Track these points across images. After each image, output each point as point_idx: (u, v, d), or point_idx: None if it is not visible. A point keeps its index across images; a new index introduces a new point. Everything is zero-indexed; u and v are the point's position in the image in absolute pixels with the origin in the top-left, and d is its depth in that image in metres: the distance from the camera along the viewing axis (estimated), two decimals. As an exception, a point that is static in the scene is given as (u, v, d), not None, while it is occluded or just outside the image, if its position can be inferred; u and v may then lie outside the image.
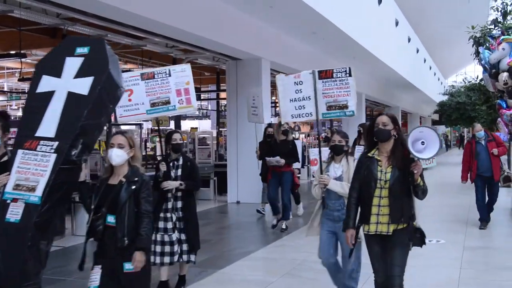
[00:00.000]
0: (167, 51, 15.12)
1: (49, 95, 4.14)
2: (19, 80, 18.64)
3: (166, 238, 6.19)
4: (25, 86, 25.73)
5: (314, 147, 13.21)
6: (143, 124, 34.38)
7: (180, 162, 6.38)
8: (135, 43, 13.72)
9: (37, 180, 3.90)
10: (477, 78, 28.30)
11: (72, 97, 4.08)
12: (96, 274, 4.27)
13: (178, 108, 6.17)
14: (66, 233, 10.02)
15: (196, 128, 33.13)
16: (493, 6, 19.68)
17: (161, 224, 6.22)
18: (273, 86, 22.58)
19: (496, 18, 18.96)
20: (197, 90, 23.29)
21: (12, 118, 39.89)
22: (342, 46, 16.50)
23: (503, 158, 11.42)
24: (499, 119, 15.19)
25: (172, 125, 22.16)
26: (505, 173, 10.33)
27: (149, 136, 23.91)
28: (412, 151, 4.17)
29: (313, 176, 6.07)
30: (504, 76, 13.90)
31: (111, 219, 4.19)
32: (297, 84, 6.18)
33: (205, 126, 35.52)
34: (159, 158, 15.59)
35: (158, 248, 6.16)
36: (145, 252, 4.19)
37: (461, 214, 11.66)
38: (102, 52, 4.21)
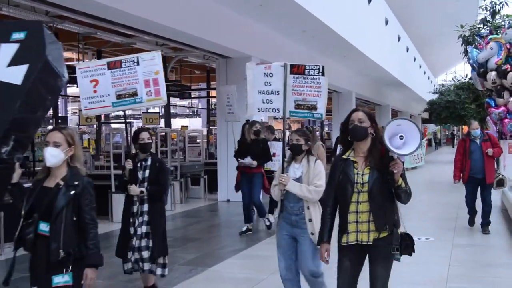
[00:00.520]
0: (156, 49, 15.09)
1: None
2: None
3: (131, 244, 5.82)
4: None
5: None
6: (133, 122, 34.39)
7: (149, 162, 5.91)
8: (125, 41, 13.70)
9: None
10: (466, 76, 28.45)
11: (3, 87, 3.58)
12: None
13: (146, 101, 5.70)
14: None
15: (187, 126, 33.11)
16: (482, 5, 19.78)
17: (131, 230, 5.82)
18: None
19: (485, 17, 19.07)
20: (188, 88, 23.39)
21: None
22: (332, 45, 16.54)
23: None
24: (488, 117, 15.31)
25: (162, 123, 22.13)
26: (499, 176, 9.82)
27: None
28: (390, 148, 3.71)
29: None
30: (492, 75, 14.02)
31: (43, 227, 3.68)
32: (267, 76, 5.63)
33: (196, 124, 35.45)
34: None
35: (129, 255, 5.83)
36: (96, 268, 3.74)
37: (450, 212, 11.72)
38: (39, 38, 3.74)
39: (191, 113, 41.27)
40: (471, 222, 10.04)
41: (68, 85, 24.21)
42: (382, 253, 3.95)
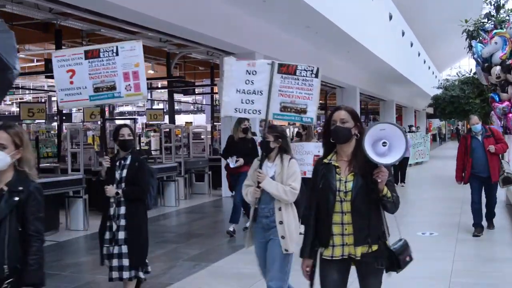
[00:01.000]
0: (161, 46, 15.13)
1: None
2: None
3: (105, 251, 5.38)
4: (19, 81, 25.65)
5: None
6: (138, 118, 34.42)
7: (128, 161, 5.41)
8: (129, 38, 13.69)
9: None
10: (470, 71, 28.35)
11: None
12: None
13: (124, 96, 5.26)
14: (60, 228, 10.02)
15: (191, 122, 33.14)
16: (486, 0, 19.68)
17: (107, 235, 5.38)
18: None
19: (489, 12, 18.97)
20: (192, 84, 23.39)
21: (6, 113, 39.39)
22: (335, 40, 16.51)
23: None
24: (492, 112, 15.26)
25: (166, 119, 22.17)
26: (505, 174, 8.97)
27: (144, 130, 23.85)
28: (370, 155, 3.29)
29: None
30: (496, 69, 13.95)
31: None
32: (250, 74, 5.07)
33: (200, 120, 35.52)
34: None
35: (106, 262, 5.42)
36: None
37: (454, 207, 11.70)
38: None
39: (195, 109, 41.34)
40: (477, 231, 8.93)
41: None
42: (373, 268, 3.61)
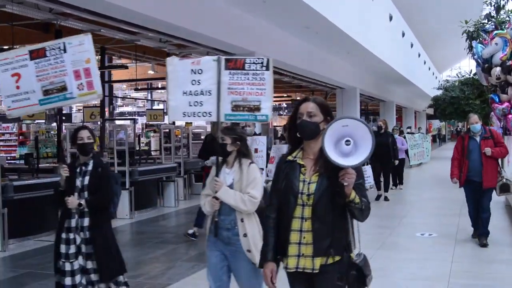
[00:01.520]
0: (160, 46, 15.10)
1: None
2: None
3: (68, 267, 4.78)
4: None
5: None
6: (138, 119, 34.43)
7: (89, 167, 4.94)
8: (129, 38, 13.69)
9: None
10: (470, 72, 28.37)
11: None
12: None
13: (77, 96, 4.76)
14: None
15: (191, 123, 33.08)
16: (487, 1, 19.70)
17: (63, 249, 4.82)
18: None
19: (490, 13, 18.99)
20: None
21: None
22: (335, 41, 16.50)
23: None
24: (492, 113, 15.27)
25: (166, 120, 22.17)
26: (504, 180, 8.24)
27: (144, 131, 23.89)
28: (330, 156, 2.88)
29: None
30: (497, 70, 13.97)
31: None
32: (195, 73, 4.62)
33: (200, 121, 35.45)
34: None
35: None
36: None
37: (453, 208, 11.70)
38: None
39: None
40: (476, 233, 8.67)
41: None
42: (331, 283, 3.12)
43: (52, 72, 4.75)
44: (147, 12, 9.61)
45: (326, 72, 20.30)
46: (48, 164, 14.29)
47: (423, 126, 49.62)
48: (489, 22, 17.94)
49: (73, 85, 4.74)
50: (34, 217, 9.24)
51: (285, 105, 43.39)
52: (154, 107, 30.70)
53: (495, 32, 14.38)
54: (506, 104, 14.10)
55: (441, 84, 33.15)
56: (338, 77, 21.99)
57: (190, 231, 9.14)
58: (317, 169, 3.11)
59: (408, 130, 27.87)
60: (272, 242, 3.23)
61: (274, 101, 38.86)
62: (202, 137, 17.70)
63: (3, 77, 4.82)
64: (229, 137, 4.44)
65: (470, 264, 7.37)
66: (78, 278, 4.80)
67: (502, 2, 18.74)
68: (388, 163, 13.27)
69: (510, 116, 13.99)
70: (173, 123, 16.13)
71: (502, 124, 14.46)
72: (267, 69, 4.58)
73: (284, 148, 8.32)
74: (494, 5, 18.96)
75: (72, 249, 4.80)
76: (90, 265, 4.83)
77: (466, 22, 20.45)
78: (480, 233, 8.36)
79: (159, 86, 25.19)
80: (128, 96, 38.85)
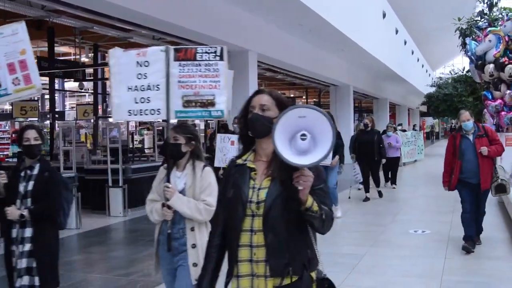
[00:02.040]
0: (153, 43, 15.07)
1: None
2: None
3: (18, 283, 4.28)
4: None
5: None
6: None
7: (35, 171, 4.36)
8: (122, 35, 13.67)
9: None
10: (463, 69, 28.45)
11: None
12: None
13: (13, 92, 4.28)
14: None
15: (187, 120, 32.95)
16: (480, -2, 19.75)
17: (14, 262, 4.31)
18: (260, 78, 22.58)
19: (483, 10, 19.04)
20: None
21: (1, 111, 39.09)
22: (329, 38, 16.51)
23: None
24: (485, 110, 15.34)
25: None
26: (499, 180, 7.69)
27: (137, 128, 23.82)
28: (281, 153, 2.34)
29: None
30: (490, 67, 14.04)
31: None
32: (141, 66, 4.14)
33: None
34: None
35: None
36: None
37: (447, 205, 11.72)
38: None
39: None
40: (469, 246, 7.61)
41: (66, 79, 24.21)
42: None
43: None
44: (140, 9, 9.58)
45: (320, 69, 20.31)
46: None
47: (417, 123, 49.74)
48: (482, 20, 17.99)
49: (8, 80, 4.25)
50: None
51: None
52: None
53: (489, 29, 14.44)
54: (499, 101, 14.17)
55: (434, 82, 33.22)
56: (331, 75, 22.01)
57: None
58: (270, 173, 2.59)
59: (399, 127, 27.71)
60: (212, 265, 2.74)
61: (268, 98, 39.16)
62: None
63: None
64: (183, 136, 3.95)
65: (463, 261, 7.38)
66: None
67: (495, 0, 18.79)
68: (373, 161, 12.90)
69: (503, 113, 14.07)
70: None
71: (495, 121, 14.52)
72: (221, 59, 4.15)
73: (229, 139, 7.62)
74: (487, 3, 19.01)
75: (13, 262, 4.28)
76: (24, 281, 4.24)
77: (459, 19, 20.50)
78: (477, 230, 7.89)
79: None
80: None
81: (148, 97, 4.13)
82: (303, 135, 2.37)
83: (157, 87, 4.12)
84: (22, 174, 4.36)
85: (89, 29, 13.29)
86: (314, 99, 37.23)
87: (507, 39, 13.75)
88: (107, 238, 9.70)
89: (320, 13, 12.98)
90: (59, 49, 18.21)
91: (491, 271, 6.84)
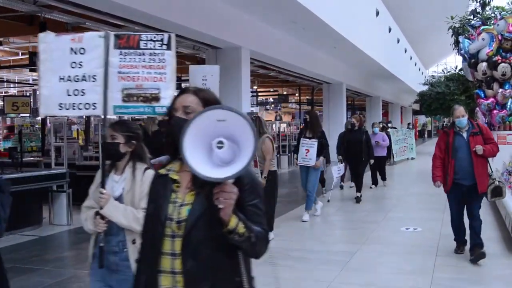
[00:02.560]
0: (146, 40, 15.04)
1: None
2: (-4, 68, 18.40)
3: None
4: (3, 74, 25.42)
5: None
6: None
7: None
8: (115, 31, 13.60)
9: None
10: (456, 68, 28.55)
11: None
12: None
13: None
14: (43, 223, 9.95)
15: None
16: (472, -3, 19.81)
17: None
18: (254, 75, 22.57)
19: (475, 9, 19.11)
20: (178, 79, 23.31)
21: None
22: (322, 36, 16.51)
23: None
24: (477, 108, 15.38)
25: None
26: (496, 182, 7.08)
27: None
28: (190, 164, 1.96)
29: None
30: (483, 66, 14.09)
31: None
32: (76, 53, 3.62)
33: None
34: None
35: None
36: None
37: (438, 203, 11.75)
38: None
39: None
40: (459, 248, 7.51)
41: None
42: None
43: None
44: (133, 5, 9.55)
45: (313, 67, 20.31)
46: (32, 158, 14.16)
47: (409, 121, 49.89)
48: (475, 18, 18.05)
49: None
50: (20, 211, 9.16)
51: (272, 100, 43.37)
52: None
53: (482, 27, 14.49)
54: (491, 99, 14.22)
55: (427, 80, 33.32)
56: (324, 72, 22.02)
57: None
58: (193, 186, 2.20)
59: (390, 125, 27.52)
60: None
61: (261, 95, 38.92)
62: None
63: None
64: (121, 134, 3.50)
65: (454, 258, 7.39)
66: None
67: (488, -1, 18.87)
68: (361, 161, 12.50)
69: (495, 111, 14.12)
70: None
71: (487, 119, 14.57)
72: (169, 48, 3.67)
73: None
74: (479, 1, 19.07)
75: None
76: None
77: (452, 18, 20.57)
78: (473, 244, 7.09)
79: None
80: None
81: (83, 89, 3.63)
82: (220, 142, 1.97)
83: (94, 78, 3.62)
84: None
85: (81, 24, 13.20)
86: (307, 97, 37.27)
87: (500, 37, 13.80)
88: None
89: (313, 11, 12.97)
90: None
91: (482, 268, 6.86)
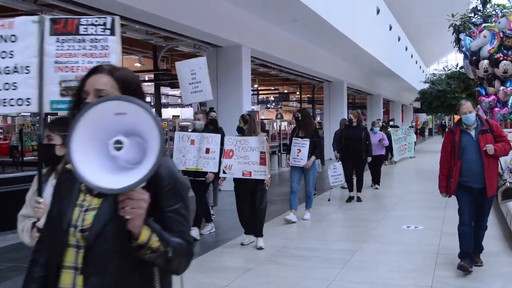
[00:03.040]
0: (147, 38, 15.02)
1: None
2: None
3: None
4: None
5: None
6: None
7: None
8: (115, 30, 13.60)
9: None
10: (457, 66, 28.51)
11: None
12: None
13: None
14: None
15: (178, 116, 33.00)
16: (473, -5, 19.80)
17: None
18: (254, 73, 22.56)
19: (476, 7, 19.07)
20: (179, 77, 23.33)
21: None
22: (323, 34, 16.49)
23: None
24: (478, 106, 15.35)
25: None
26: (507, 184, 6.44)
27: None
28: (79, 172, 1.62)
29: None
30: (484, 63, 14.04)
31: None
32: (6, 41, 3.18)
33: (187, 114, 35.37)
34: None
35: None
36: None
37: (439, 201, 11.71)
38: None
39: (182, 103, 41.16)
40: (466, 265, 6.38)
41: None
42: None
43: None
44: (133, 4, 9.55)
45: (314, 65, 20.30)
46: (33, 157, 14.15)
47: (410, 119, 49.88)
48: (476, 16, 18.02)
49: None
50: (17, 210, 9.16)
51: (273, 99, 43.35)
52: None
53: (484, 25, 14.45)
54: (492, 97, 14.19)
55: (428, 78, 33.32)
56: (325, 70, 22.00)
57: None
58: None
59: (392, 123, 27.35)
60: None
61: (262, 94, 38.85)
62: (190, 130, 17.66)
63: None
64: (58, 135, 3.00)
65: (456, 256, 7.36)
66: None
67: (489, -3, 18.82)
68: (360, 159, 12.06)
69: (496, 109, 14.09)
70: (160, 116, 16.03)
71: (488, 117, 14.53)
72: (112, 33, 3.24)
73: (188, 138, 7.36)
74: (480, -1, 19.04)
75: None
76: None
77: (453, 15, 20.54)
78: (474, 250, 6.68)
79: (146, 79, 25.05)
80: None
81: (15, 83, 3.18)
82: (118, 142, 1.62)
83: (27, 70, 3.17)
84: None
85: (81, 23, 13.23)
86: (308, 95, 37.23)
87: (501, 35, 13.76)
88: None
89: (314, 9, 12.96)
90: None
91: (483, 266, 6.84)
